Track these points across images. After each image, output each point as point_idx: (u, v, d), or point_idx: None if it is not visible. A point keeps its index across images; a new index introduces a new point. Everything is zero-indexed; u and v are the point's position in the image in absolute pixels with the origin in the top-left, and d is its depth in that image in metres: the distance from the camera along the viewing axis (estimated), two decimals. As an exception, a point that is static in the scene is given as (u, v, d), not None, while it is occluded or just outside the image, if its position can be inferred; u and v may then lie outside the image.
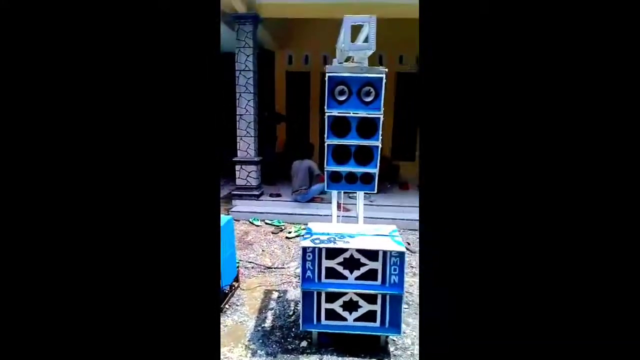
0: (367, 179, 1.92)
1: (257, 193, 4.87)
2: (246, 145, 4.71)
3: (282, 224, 4.31)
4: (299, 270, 3.09)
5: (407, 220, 4.29)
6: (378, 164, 1.86)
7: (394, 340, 2.14)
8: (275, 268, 3.18)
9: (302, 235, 2.12)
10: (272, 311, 2.47)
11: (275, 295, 2.70)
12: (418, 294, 2.75)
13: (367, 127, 1.80)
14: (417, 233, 4.19)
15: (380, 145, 1.84)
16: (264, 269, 3.16)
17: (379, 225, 2.30)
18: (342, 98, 1.75)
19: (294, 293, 2.73)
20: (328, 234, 2.09)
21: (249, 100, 4.60)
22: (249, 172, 4.79)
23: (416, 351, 2.07)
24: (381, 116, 1.80)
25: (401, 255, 1.94)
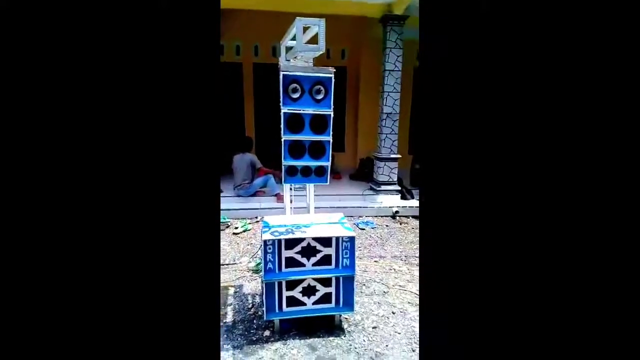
0: (320, 171, 2.06)
1: (195, 190, 4.69)
2: (181, 141, 4.49)
3: (227, 220, 4.25)
4: (251, 265, 3.14)
5: (346, 207, 4.58)
6: (330, 157, 2.01)
7: (346, 318, 2.36)
8: (227, 264, 3.17)
9: (261, 229, 2.19)
10: (231, 306, 2.50)
11: (231, 291, 2.72)
12: (361, 273, 3.03)
13: (319, 123, 1.94)
14: (357, 219, 4.51)
15: (331, 140, 2.00)
16: (214, 266, 3.13)
17: (328, 214, 2.47)
18: (296, 95, 1.85)
19: (250, 287, 2.78)
20: (285, 225, 2.20)
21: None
22: (186, 169, 4.58)
23: (366, 325, 2.32)
24: (331, 113, 1.95)
25: (351, 239, 2.14)
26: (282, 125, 1.89)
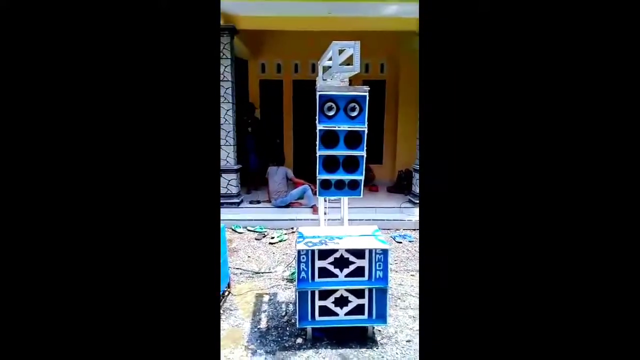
0: (354, 185, 2.13)
1: (237, 200, 4.95)
2: (225, 154, 4.79)
3: (264, 230, 4.43)
4: (286, 274, 3.25)
5: (382, 220, 4.57)
6: (363, 171, 2.07)
7: (379, 330, 2.36)
8: (262, 273, 3.31)
9: (296, 239, 2.28)
10: (266, 313, 2.61)
11: (266, 298, 2.83)
12: (397, 286, 3.00)
13: (353, 139, 2.01)
14: (395, 232, 4.47)
15: (364, 155, 2.06)
16: (252, 274, 3.28)
17: (361, 226, 2.52)
18: (331, 113, 1.95)
19: (284, 295, 2.88)
20: (319, 236, 2.28)
21: (227, 110, 4.69)
22: (229, 180, 4.86)
23: (400, 338, 2.30)
24: (365, 129, 2.02)
25: (385, 252, 2.16)
26: (317, 141, 2.00)
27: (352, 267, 2.19)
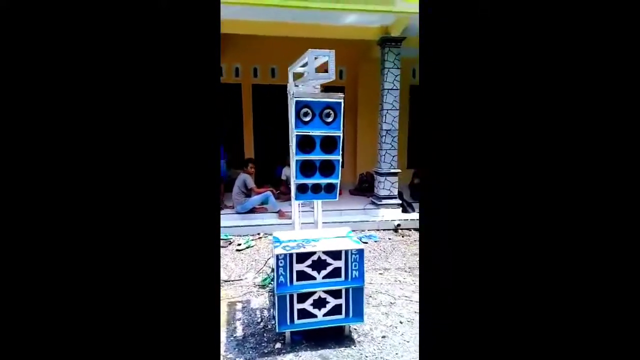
0: (330, 188, 2.19)
1: (199, 208, 4.79)
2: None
3: (229, 237, 4.33)
4: (257, 280, 3.21)
5: (348, 222, 4.68)
6: (339, 175, 2.14)
7: (355, 328, 2.43)
8: (232, 280, 3.24)
9: (272, 244, 2.29)
10: (240, 321, 2.57)
11: (239, 306, 2.78)
12: (367, 285, 3.11)
13: (329, 144, 2.07)
14: (360, 233, 4.60)
15: (340, 159, 2.13)
16: (222, 282, 3.20)
17: (335, 229, 2.58)
18: (307, 119, 1.99)
19: (257, 302, 2.85)
20: (295, 240, 2.30)
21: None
22: (190, 187, 4.69)
23: (375, 335, 2.40)
24: (340, 134, 2.09)
25: (360, 252, 2.24)
26: (293, 147, 2.03)
27: (329, 269, 2.24)
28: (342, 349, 2.24)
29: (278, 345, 2.26)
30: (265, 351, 2.22)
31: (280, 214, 4.82)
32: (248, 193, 4.88)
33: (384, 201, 5.19)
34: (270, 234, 4.53)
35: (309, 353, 2.20)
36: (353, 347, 2.26)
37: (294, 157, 2.04)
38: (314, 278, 2.23)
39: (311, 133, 2.02)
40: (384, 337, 2.38)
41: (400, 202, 5.25)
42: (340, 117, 2.03)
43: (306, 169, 2.08)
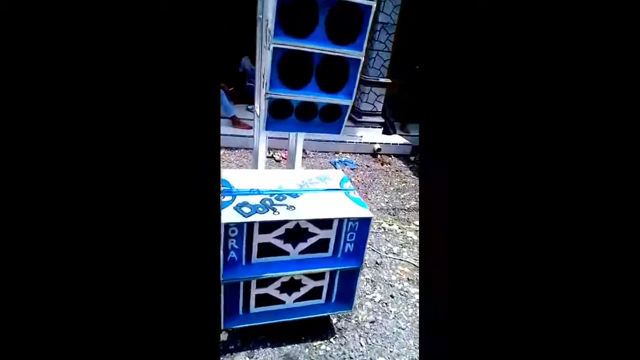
0: (331, 113, 1.19)
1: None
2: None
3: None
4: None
5: (319, 141, 3.77)
6: (355, 91, 1.13)
7: (334, 305, 1.77)
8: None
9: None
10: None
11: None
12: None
13: (342, 20, 0.99)
14: (334, 156, 3.76)
15: (362, 59, 1.09)
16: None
17: (323, 172, 1.68)
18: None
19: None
20: (259, 191, 1.37)
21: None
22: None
23: (362, 318, 1.76)
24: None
25: (364, 223, 1.41)
26: (271, 19, 0.91)
27: (311, 241, 1.41)
28: (316, 343, 1.58)
29: (223, 336, 1.53)
30: (204, 346, 1.48)
31: (235, 121, 3.73)
32: None
33: (365, 118, 4.27)
34: (222, 148, 3.52)
35: (268, 351, 1.51)
36: (332, 339, 1.62)
37: (270, 41, 0.96)
38: (285, 253, 1.40)
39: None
40: (372, 322, 1.75)
41: (382, 121, 4.37)
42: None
43: (292, 70, 1.03)
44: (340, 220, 1.38)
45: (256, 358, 1.48)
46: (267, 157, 3.46)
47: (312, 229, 1.38)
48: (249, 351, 1.50)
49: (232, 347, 1.50)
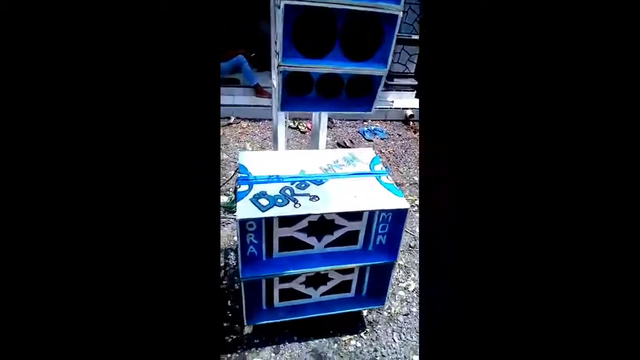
0: (361, 87, 0.96)
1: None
2: None
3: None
4: (224, 200, 2.23)
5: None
6: (390, 57, 0.90)
7: (364, 294, 1.63)
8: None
9: (236, 183, 1.21)
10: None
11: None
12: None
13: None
14: (362, 125, 3.49)
15: (400, 14, 0.85)
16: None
17: (350, 151, 1.47)
18: None
19: (221, 234, 1.94)
20: (279, 178, 1.20)
21: None
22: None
23: (395, 310, 1.62)
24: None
25: (399, 215, 1.22)
26: None
27: (338, 234, 1.25)
28: (345, 337, 1.47)
29: (248, 329, 1.45)
30: (228, 341, 1.41)
31: (259, 90, 3.52)
32: None
33: (396, 81, 3.91)
34: (245, 119, 3.35)
35: (295, 345, 1.42)
36: (362, 334, 1.50)
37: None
38: (310, 247, 1.25)
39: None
40: (406, 314, 1.61)
41: (416, 83, 3.98)
42: None
43: (311, 34, 0.80)
44: (371, 213, 1.19)
45: (282, 354, 1.39)
46: (292, 127, 3.26)
47: (339, 220, 1.21)
48: (274, 346, 1.41)
49: (257, 341, 1.42)
